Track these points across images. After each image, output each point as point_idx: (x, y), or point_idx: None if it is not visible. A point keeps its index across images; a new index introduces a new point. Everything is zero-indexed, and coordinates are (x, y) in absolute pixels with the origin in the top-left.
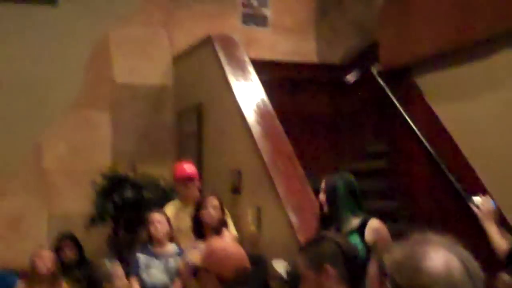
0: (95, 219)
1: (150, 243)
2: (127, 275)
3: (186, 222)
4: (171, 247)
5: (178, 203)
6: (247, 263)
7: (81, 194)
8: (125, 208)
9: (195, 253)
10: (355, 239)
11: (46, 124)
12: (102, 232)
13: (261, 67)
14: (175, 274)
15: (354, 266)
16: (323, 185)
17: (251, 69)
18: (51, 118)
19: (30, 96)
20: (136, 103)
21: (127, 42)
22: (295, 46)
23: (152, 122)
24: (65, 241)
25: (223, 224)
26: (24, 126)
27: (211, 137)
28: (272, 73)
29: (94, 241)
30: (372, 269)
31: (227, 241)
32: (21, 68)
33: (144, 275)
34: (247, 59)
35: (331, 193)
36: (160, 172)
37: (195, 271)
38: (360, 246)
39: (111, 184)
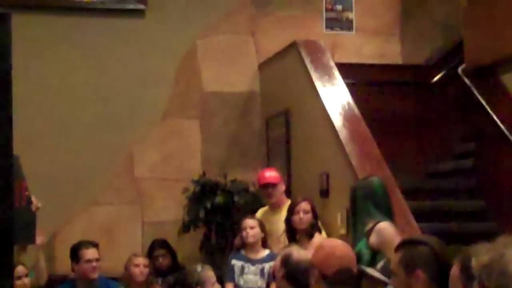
0: (187, 225)
1: (244, 249)
2: (220, 280)
3: (275, 226)
4: (265, 252)
5: (267, 208)
6: (353, 265)
7: (173, 201)
8: (216, 214)
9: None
10: (362, 243)
11: (138, 133)
12: (194, 238)
13: (346, 70)
14: (270, 278)
15: (447, 271)
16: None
17: (336, 73)
18: (142, 127)
19: (121, 107)
20: (225, 110)
21: (214, 51)
22: (380, 48)
23: (241, 129)
24: (158, 247)
25: (315, 228)
26: (116, 136)
27: (299, 141)
28: (357, 76)
29: (187, 247)
30: (455, 271)
31: (340, 242)
32: (112, 80)
33: (240, 281)
34: (332, 64)
35: (350, 197)
36: (249, 177)
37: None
38: (364, 249)
39: (202, 190)
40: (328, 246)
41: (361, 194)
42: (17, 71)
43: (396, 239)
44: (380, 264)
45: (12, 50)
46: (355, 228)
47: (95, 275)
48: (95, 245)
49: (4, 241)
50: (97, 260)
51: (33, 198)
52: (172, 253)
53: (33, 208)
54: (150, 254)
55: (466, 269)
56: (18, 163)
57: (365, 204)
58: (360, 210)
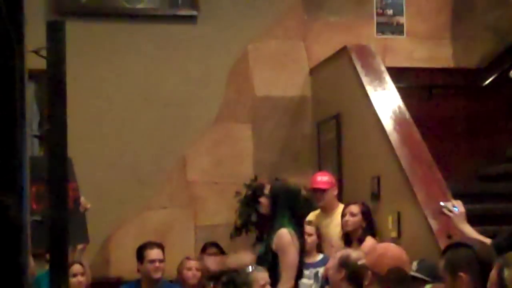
0: (239, 229)
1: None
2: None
3: (325, 230)
4: (319, 256)
5: (319, 212)
6: (406, 266)
7: (225, 204)
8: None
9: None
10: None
11: (190, 138)
12: (246, 241)
13: (397, 74)
14: (323, 282)
15: (489, 273)
16: (266, 191)
17: (387, 77)
18: (195, 132)
19: (174, 112)
20: (276, 115)
21: (265, 56)
22: (431, 52)
23: (292, 133)
24: (210, 249)
25: (366, 232)
26: (169, 141)
27: (350, 145)
28: (408, 80)
29: (239, 249)
30: (493, 275)
31: (393, 244)
32: (164, 85)
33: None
34: (383, 68)
35: (271, 200)
36: (300, 181)
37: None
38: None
39: (254, 194)
40: (380, 247)
41: (284, 201)
42: (71, 76)
43: (290, 246)
44: (414, 264)
45: (66, 56)
46: (271, 229)
47: (158, 275)
48: (160, 246)
49: (60, 241)
50: (161, 261)
51: (82, 199)
52: (223, 254)
53: (81, 209)
54: (202, 256)
55: (500, 277)
56: (70, 165)
57: (283, 212)
58: (279, 215)
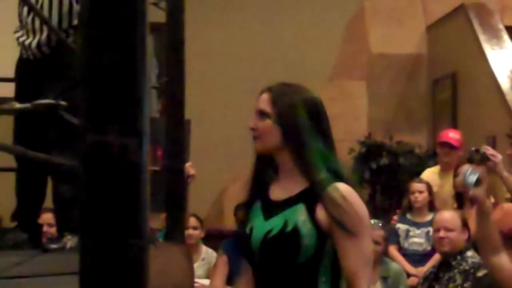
0: None
1: (410, 212)
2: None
3: (442, 189)
4: (430, 215)
5: (438, 169)
6: None
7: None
8: (381, 175)
9: None
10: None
11: None
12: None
13: None
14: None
15: None
16: None
17: (505, 36)
18: (309, 88)
19: (289, 68)
20: (392, 72)
21: (382, 12)
22: None
23: (407, 91)
24: None
25: None
26: None
27: (465, 104)
28: None
29: None
30: None
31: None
32: (280, 40)
33: (405, 244)
34: (501, 26)
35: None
36: (414, 139)
37: None
38: None
39: (368, 151)
40: (507, 206)
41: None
42: (188, 33)
43: None
44: None
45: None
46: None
47: None
48: None
49: (177, 194)
50: None
51: (187, 165)
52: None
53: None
54: None
55: None
56: (188, 127)
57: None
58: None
